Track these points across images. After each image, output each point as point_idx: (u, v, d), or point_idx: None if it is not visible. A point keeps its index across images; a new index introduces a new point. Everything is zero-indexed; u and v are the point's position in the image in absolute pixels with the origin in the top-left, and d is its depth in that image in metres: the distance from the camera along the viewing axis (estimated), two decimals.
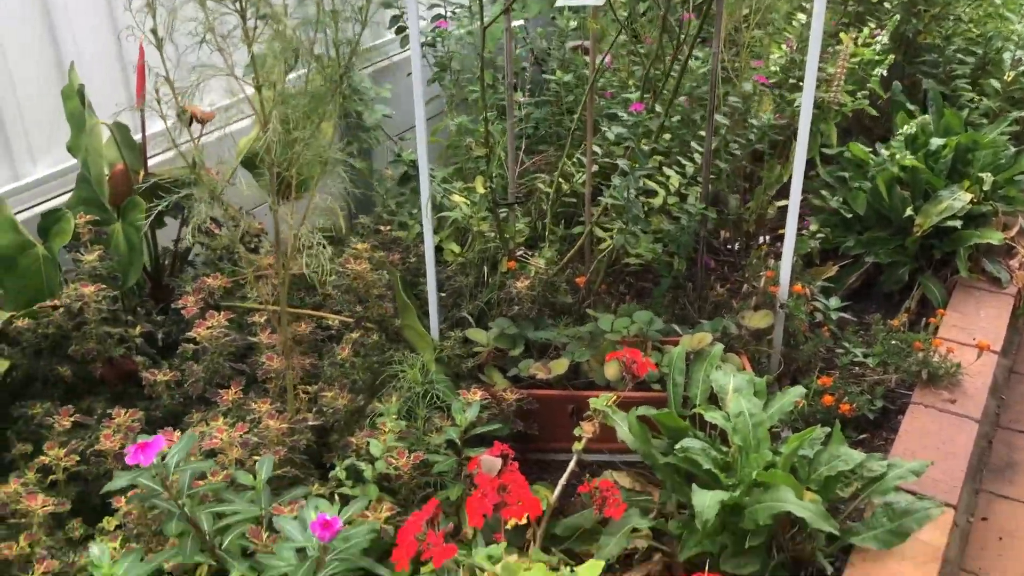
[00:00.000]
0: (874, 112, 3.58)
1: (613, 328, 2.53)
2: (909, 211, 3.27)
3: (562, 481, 2.13)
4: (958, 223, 3.22)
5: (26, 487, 1.92)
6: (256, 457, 1.97)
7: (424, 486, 2.11)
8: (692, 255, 2.92)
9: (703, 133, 2.83)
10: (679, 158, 2.88)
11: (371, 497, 1.99)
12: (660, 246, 2.78)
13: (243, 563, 1.71)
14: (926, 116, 3.61)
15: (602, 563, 1.39)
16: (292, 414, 2.16)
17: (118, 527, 1.89)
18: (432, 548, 1.42)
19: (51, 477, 2.01)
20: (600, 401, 2.16)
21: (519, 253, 2.79)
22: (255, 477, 1.87)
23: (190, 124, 2.22)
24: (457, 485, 2.12)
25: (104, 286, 2.22)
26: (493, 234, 2.77)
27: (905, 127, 3.41)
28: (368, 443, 2.08)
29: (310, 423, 2.17)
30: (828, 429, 2.23)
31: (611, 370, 2.41)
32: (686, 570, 2.16)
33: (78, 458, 2.03)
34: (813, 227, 3.26)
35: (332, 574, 1.72)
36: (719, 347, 2.45)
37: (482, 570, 1.46)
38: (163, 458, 1.61)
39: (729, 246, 3.38)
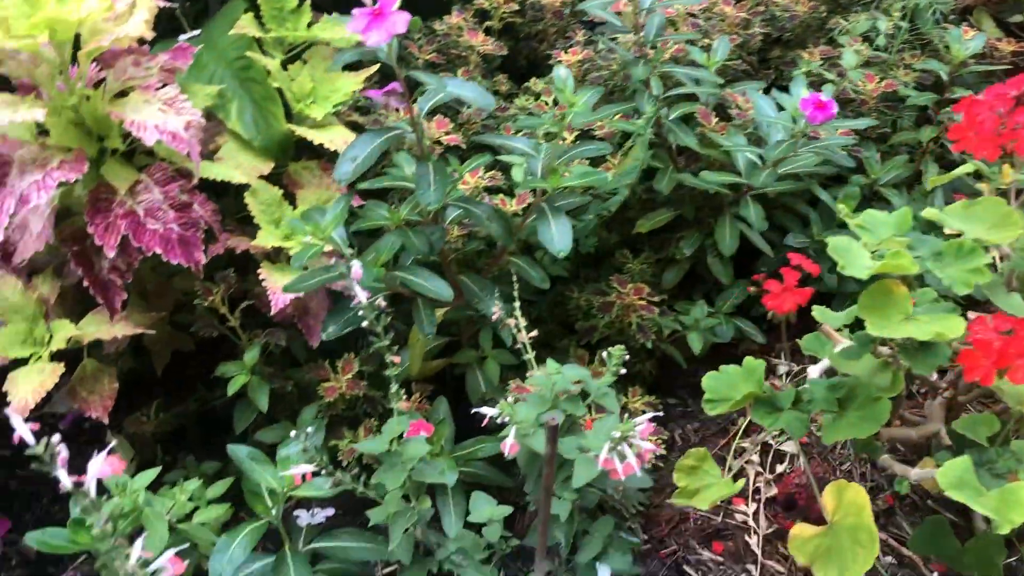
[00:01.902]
0: None
1: None
2: None
3: None
4: None
5: (467, 22, 1.84)
6: (707, 41, 1.73)
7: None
8: None
9: None
10: None
11: None
12: None
13: (691, 138, 1.53)
14: None
15: None
16: (751, 4, 1.86)
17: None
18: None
19: (486, 23, 1.91)
20: None
21: None
22: (708, 57, 1.63)
23: None
24: (927, 128, 1.77)
25: None
26: None
27: None
28: (840, 53, 1.74)
29: (759, 30, 1.86)
30: None
31: None
32: None
33: (517, 7, 1.90)
34: None
35: (800, 171, 1.49)
36: None
37: None
38: None
39: None
